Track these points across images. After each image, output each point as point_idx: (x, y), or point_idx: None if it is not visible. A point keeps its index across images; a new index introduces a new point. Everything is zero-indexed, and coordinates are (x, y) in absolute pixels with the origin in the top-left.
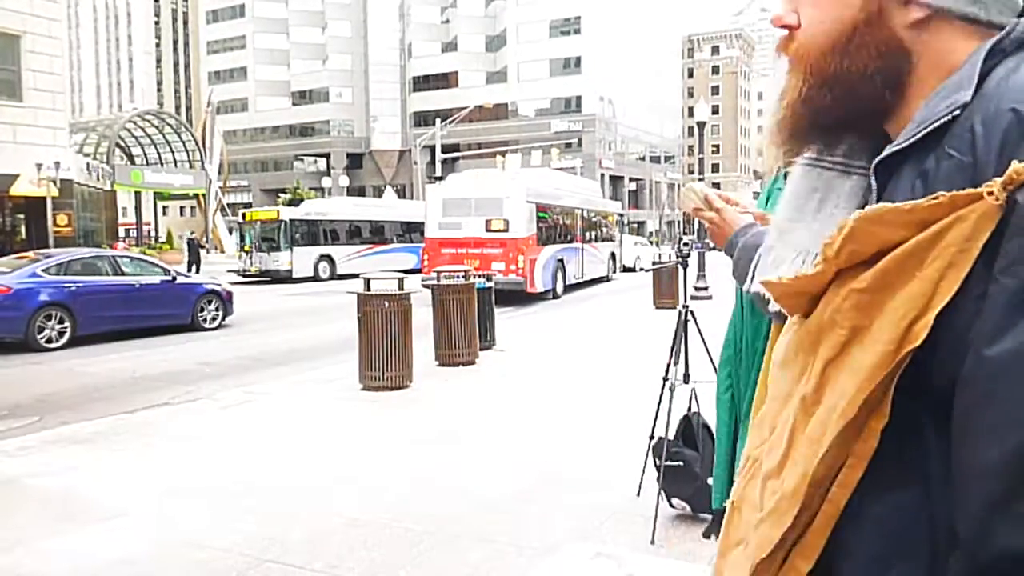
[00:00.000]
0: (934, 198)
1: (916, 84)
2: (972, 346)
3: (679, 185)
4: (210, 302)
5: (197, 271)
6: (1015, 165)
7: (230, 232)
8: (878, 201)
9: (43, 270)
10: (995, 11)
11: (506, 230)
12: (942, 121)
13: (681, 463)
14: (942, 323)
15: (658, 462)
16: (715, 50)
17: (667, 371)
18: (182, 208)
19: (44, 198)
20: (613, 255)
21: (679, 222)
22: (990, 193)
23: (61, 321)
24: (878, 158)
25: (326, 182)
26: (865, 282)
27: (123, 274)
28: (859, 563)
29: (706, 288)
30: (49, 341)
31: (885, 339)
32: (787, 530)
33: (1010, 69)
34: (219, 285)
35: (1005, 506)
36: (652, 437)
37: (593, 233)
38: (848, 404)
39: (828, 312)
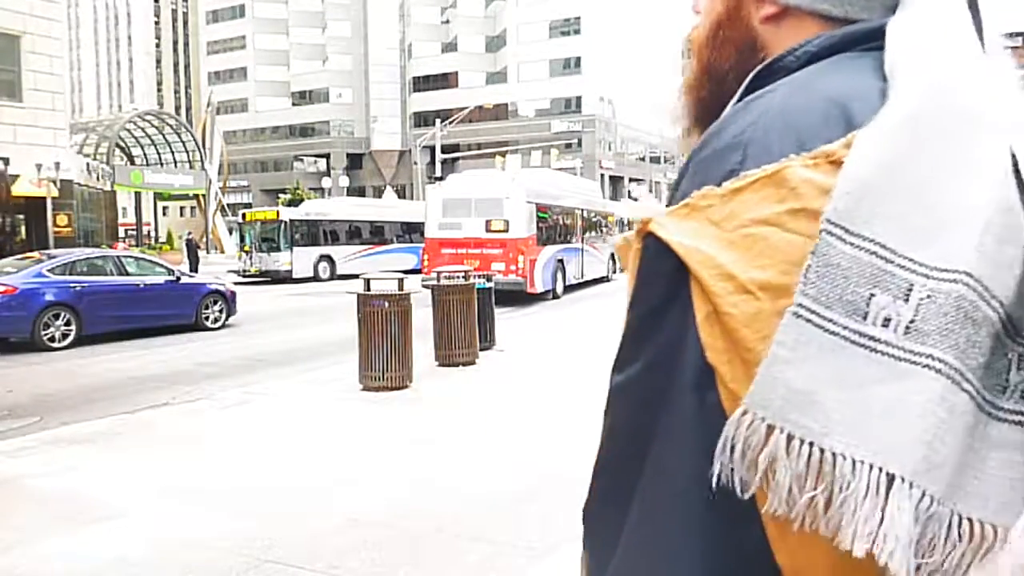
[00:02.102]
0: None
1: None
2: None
3: None
4: (215, 302)
5: (195, 271)
6: (648, 213)
7: (230, 232)
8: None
9: (48, 270)
10: (855, 7)
11: (506, 230)
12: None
13: None
14: None
15: None
16: None
17: None
18: (182, 208)
19: (44, 198)
20: (613, 255)
21: None
22: (634, 236)
23: (67, 321)
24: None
25: (326, 182)
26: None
27: (127, 274)
28: None
29: None
30: (53, 340)
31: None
32: None
33: (753, 98)
34: (223, 285)
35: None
36: None
37: (593, 233)
38: None
39: None
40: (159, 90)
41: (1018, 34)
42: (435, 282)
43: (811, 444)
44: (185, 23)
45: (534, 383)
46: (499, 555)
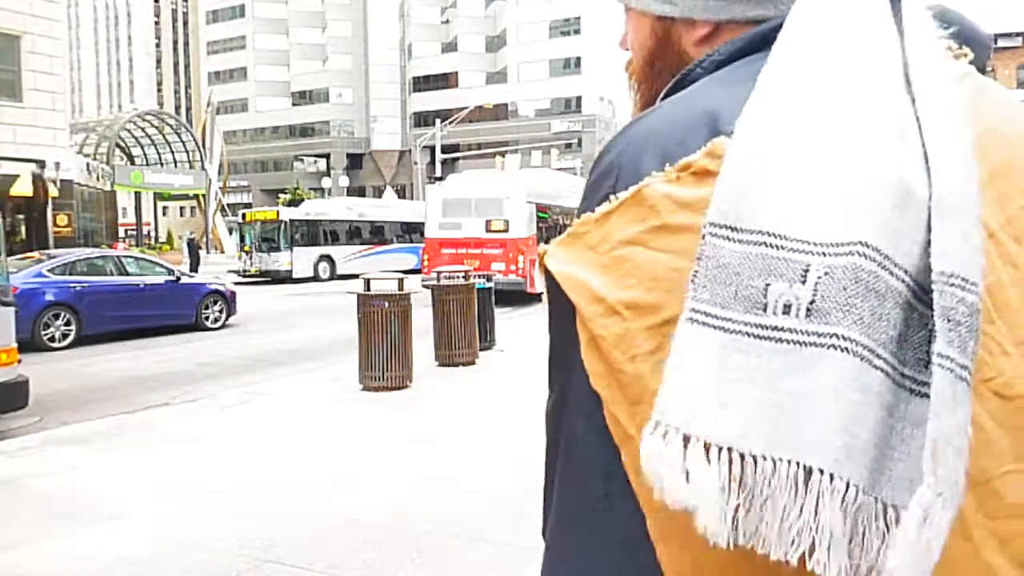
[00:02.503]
0: None
1: None
2: None
3: None
4: (215, 302)
5: (195, 271)
6: (544, 247)
7: (230, 232)
8: None
9: (48, 270)
10: (784, 9)
11: (506, 230)
12: None
13: None
14: None
15: None
16: None
17: None
18: (182, 208)
19: (45, 199)
20: None
21: None
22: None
23: (67, 321)
24: None
25: (326, 182)
26: None
27: (127, 274)
28: None
29: None
30: (53, 340)
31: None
32: None
33: (638, 117)
34: (223, 285)
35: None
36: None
37: None
38: None
39: None
40: (159, 90)
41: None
42: (435, 282)
43: (730, 449)
44: (185, 23)
45: (534, 383)
46: (499, 555)
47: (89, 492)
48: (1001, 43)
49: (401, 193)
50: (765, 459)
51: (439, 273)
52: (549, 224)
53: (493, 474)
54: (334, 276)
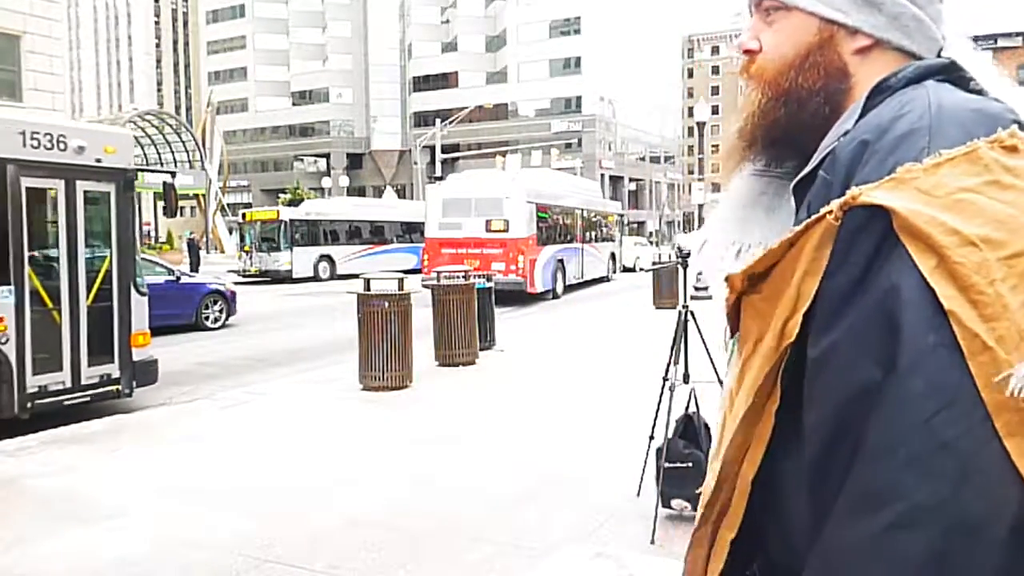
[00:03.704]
0: (802, 223)
1: (849, 105)
2: (811, 337)
3: (679, 185)
4: (215, 302)
5: (196, 271)
6: (852, 190)
7: (230, 232)
8: (796, 217)
9: None
10: (923, 47)
11: (506, 230)
12: (829, 148)
13: (691, 464)
14: (809, 321)
15: (661, 463)
16: (715, 50)
17: (667, 371)
18: (182, 208)
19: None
20: (613, 255)
21: (679, 222)
22: (830, 212)
23: None
24: (794, 181)
25: (326, 182)
26: (760, 292)
27: None
28: (779, 525)
29: (706, 288)
30: None
31: (771, 337)
32: (707, 505)
33: (883, 105)
34: (223, 285)
35: (816, 460)
36: (652, 437)
37: (593, 233)
38: (747, 394)
39: (743, 322)
40: (159, 90)
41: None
42: (435, 282)
43: None
44: (185, 23)
45: (534, 383)
46: (499, 555)
47: (89, 492)
48: (1001, 43)
49: (401, 193)
50: None
51: (439, 273)
52: (549, 224)
53: (493, 474)
54: (334, 276)
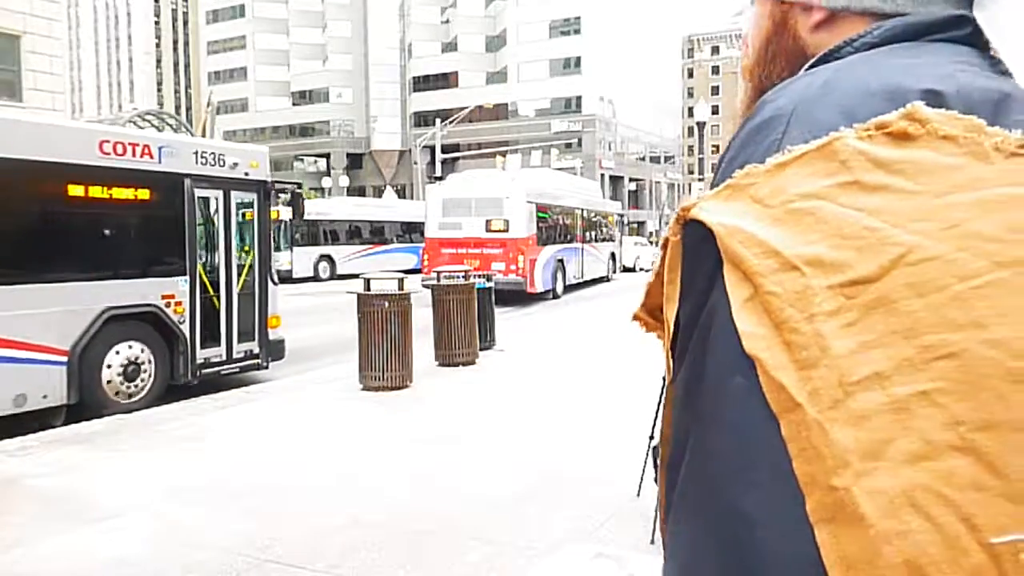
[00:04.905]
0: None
1: None
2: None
3: (679, 185)
4: None
5: None
6: (686, 200)
7: None
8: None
9: None
10: (904, 2)
11: (506, 230)
12: None
13: None
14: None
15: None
16: (715, 50)
17: None
18: None
19: None
20: (613, 255)
21: None
22: (670, 228)
23: None
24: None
25: (326, 182)
26: (660, 322)
27: None
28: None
29: None
30: None
31: (665, 338)
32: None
33: (800, 75)
34: None
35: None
36: (652, 437)
37: (593, 233)
38: (662, 391)
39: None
40: (159, 90)
41: None
42: (435, 282)
43: None
44: (185, 23)
45: (534, 383)
46: (499, 555)
47: (89, 492)
48: None
49: (401, 193)
50: None
51: (439, 273)
52: (549, 224)
53: (493, 474)
54: (334, 276)
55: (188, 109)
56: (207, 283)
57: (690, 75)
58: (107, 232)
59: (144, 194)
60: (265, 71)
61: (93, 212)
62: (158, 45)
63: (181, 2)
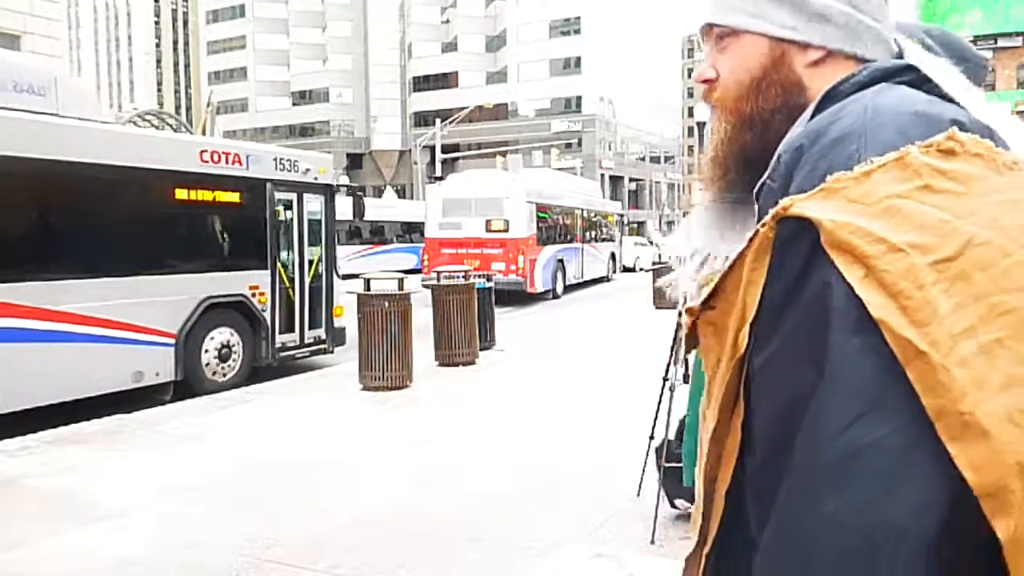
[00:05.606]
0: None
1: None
2: (754, 348)
3: (679, 185)
4: None
5: None
6: (784, 200)
7: None
8: (758, 222)
9: None
10: (877, 52)
11: (506, 230)
12: (778, 153)
13: None
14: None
15: (660, 462)
16: None
17: (667, 371)
18: None
19: None
20: (613, 255)
21: (679, 222)
22: (763, 224)
23: None
24: (756, 187)
25: None
26: (714, 308)
27: None
28: (746, 540)
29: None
30: None
31: (727, 351)
32: (697, 529)
33: (828, 110)
34: None
35: (757, 471)
36: (652, 437)
37: (593, 233)
38: (714, 410)
39: (703, 340)
40: (159, 90)
41: (1018, 34)
42: (435, 282)
43: None
44: (185, 23)
45: (534, 383)
46: (499, 555)
47: (89, 492)
48: (1001, 43)
49: (401, 193)
50: None
51: (439, 273)
52: (549, 224)
53: (493, 474)
54: None
55: (188, 109)
56: (284, 276)
57: (690, 75)
58: (206, 230)
59: (235, 197)
60: (265, 71)
61: (195, 212)
62: (158, 45)
63: (181, 2)
